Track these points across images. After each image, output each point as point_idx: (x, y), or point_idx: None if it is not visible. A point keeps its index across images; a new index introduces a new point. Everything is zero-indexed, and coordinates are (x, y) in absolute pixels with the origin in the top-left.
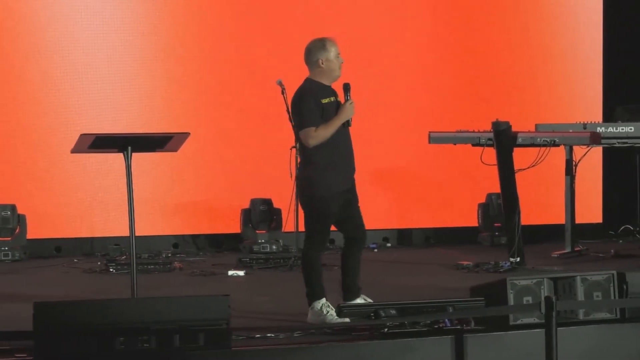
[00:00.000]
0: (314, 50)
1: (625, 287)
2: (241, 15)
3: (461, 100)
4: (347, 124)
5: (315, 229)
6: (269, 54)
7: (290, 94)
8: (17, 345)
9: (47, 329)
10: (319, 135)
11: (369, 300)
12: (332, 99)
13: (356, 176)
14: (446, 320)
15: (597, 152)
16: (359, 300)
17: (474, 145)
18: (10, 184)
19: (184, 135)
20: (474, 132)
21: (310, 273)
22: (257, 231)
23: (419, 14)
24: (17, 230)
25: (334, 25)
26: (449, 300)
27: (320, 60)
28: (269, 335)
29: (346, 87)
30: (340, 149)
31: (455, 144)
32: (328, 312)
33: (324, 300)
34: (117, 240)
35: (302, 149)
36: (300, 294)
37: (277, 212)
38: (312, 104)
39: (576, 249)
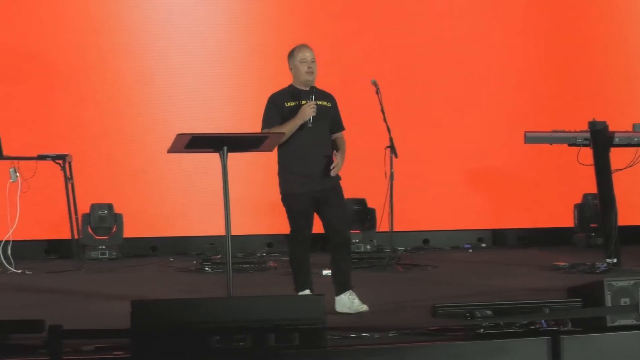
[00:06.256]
0: (287, 58)
1: None
2: (336, 15)
3: (556, 99)
4: (306, 124)
5: (290, 223)
6: (363, 54)
7: (385, 94)
8: (115, 343)
9: (144, 327)
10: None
11: (355, 300)
12: (303, 102)
13: (450, 176)
14: (542, 321)
15: None
16: (342, 297)
17: (570, 145)
18: (107, 184)
19: (279, 135)
20: (570, 132)
21: (293, 265)
22: (351, 231)
23: (513, 13)
24: (114, 229)
25: (426, 25)
26: (545, 301)
27: (289, 67)
28: (363, 334)
29: (310, 90)
30: (301, 150)
31: (551, 144)
32: None
33: (307, 292)
34: (212, 240)
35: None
36: (395, 293)
37: (371, 212)
38: (271, 107)
39: None
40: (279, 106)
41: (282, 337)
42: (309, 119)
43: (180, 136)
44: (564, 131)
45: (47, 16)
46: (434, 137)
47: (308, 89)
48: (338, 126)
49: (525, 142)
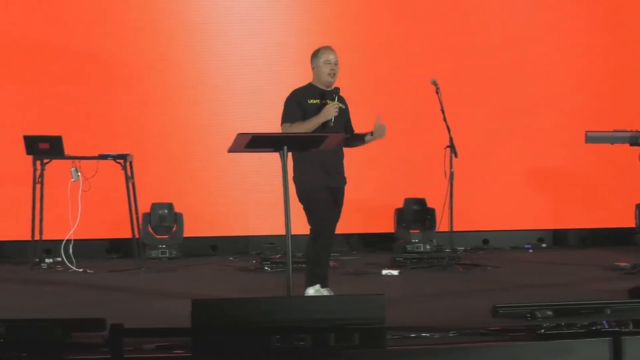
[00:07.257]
0: (311, 57)
1: None
2: (396, 14)
3: (617, 99)
4: (328, 124)
5: (314, 217)
6: (423, 53)
7: (444, 94)
8: (176, 342)
9: (205, 326)
10: (294, 130)
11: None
12: (325, 101)
13: (510, 175)
14: (604, 321)
15: None
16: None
17: (631, 144)
18: (167, 183)
19: (339, 135)
20: (631, 131)
21: (312, 260)
22: (411, 230)
23: (574, 12)
24: (174, 229)
25: (486, 24)
26: (606, 301)
27: (312, 66)
28: (423, 334)
29: (333, 91)
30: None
31: (612, 144)
32: None
33: (317, 287)
34: (271, 239)
35: None
36: (456, 293)
37: (431, 212)
38: (294, 102)
39: None
40: (302, 103)
41: (342, 337)
42: (331, 119)
43: (240, 136)
44: (625, 130)
45: (108, 17)
46: (494, 136)
47: (327, 87)
48: (349, 129)
49: (586, 142)
